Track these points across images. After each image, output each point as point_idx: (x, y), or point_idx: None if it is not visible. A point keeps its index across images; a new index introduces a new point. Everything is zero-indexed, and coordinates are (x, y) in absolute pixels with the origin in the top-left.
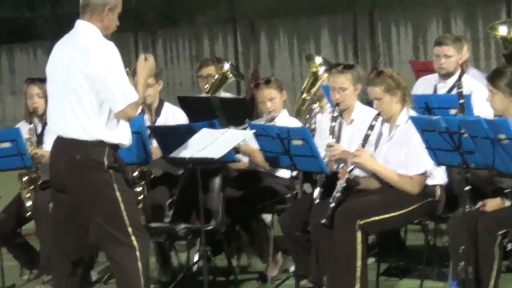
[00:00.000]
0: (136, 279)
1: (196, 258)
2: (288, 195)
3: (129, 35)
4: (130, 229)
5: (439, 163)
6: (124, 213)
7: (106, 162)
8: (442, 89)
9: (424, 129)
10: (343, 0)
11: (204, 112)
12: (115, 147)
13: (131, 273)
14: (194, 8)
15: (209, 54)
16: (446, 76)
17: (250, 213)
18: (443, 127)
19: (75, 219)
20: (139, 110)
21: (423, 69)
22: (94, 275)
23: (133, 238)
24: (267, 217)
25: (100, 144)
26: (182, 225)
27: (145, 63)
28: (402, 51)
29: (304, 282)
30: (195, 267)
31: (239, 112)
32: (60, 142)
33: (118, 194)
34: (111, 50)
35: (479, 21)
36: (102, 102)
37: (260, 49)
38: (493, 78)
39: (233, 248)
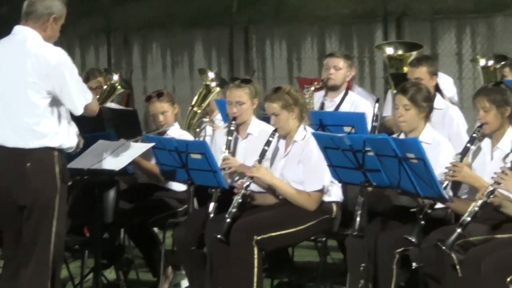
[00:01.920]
0: None
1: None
2: (180, 209)
3: None
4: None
5: (340, 181)
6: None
7: (57, 170)
8: (330, 107)
9: (327, 146)
10: (218, 15)
11: (93, 123)
12: (63, 152)
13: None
14: (66, 19)
15: (80, 65)
16: (332, 90)
17: (141, 227)
18: (347, 144)
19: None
20: None
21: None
22: None
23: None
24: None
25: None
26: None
27: None
28: (276, 67)
29: None
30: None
31: (129, 124)
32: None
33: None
34: (63, 56)
35: (354, 40)
36: (50, 108)
37: (132, 61)
38: (412, 93)
39: (123, 261)
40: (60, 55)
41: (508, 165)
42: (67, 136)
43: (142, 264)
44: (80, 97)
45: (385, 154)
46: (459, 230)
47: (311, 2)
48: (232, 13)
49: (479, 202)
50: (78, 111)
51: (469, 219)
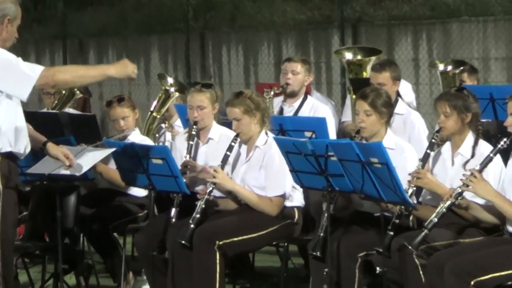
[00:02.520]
0: None
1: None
2: (140, 214)
3: None
4: None
5: (302, 186)
6: None
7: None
8: (289, 112)
9: (289, 151)
10: (174, 21)
11: (51, 128)
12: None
13: None
14: (20, 24)
15: None
16: (291, 95)
17: (102, 232)
18: (309, 149)
19: None
20: None
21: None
22: None
23: None
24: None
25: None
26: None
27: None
28: (233, 73)
29: None
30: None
31: (88, 129)
32: None
33: None
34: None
35: (310, 45)
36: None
37: None
38: (372, 98)
39: (83, 266)
40: None
41: (477, 167)
42: (13, 140)
43: (103, 269)
44: (20, 82)
45: (348, 159)
46: (426, 230)
47: (267, 8)
48: (188, 19)
49: (447, 203)
50: (23, 97)
51: (436, 219)
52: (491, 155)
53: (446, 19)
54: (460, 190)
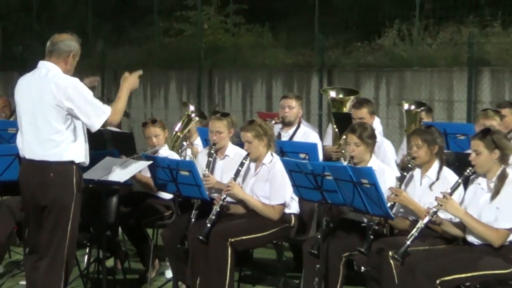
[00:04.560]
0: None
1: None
2: (166, 213)
3: None
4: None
5: (301, 198)
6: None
7: (74, 181)
8: (286, 137)
9: (292, 170)
10: (189, 60)
11: (96, 143)
12: (79, 165)
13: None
14: None
15: None
16: (287, 125)
17: (135, 226)
18: (309, 169)
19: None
20: None
21: (269, 119)
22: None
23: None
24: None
25: (69, 164)
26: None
27: (128, 76)
28: (234, 102)
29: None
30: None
31: (126, 144)
32: (31, 164)
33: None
34: (78, 83)
35: (294, 84)
36: (69, 129)
37: None
38: (360, 132)
39: (121, 253)
40: (75, 83)
41: (449, 191)
42: (84, 153)
43: (135, 256)
44: (96, 116)
45: (342, 179)
46: (408, 242)
47: (261, 53)
48: (200, 59)
49: (425, 219)
50: (95, 128)
51: (416, 234)
52: (459, 180)
53: (401, 68)
54: (435, 209)
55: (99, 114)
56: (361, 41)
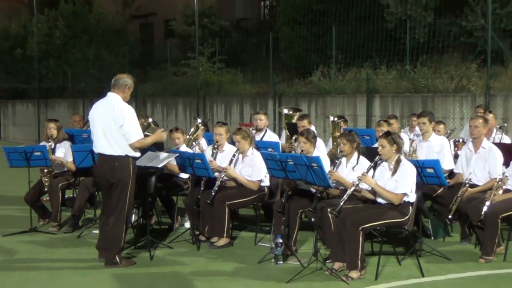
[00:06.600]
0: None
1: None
2: (185, 187)
3: None
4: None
5: (272, 176)
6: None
7: (131, 167)
8: (258, 138)
9: (267, 158)
10: (190, 91)
11: None
12: (134, 158)
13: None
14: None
15: None
16: (259, 130)
17: (166, 195)
18: (277, 158)
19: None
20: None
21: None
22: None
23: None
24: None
25: (127, 156)
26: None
27: (161, 132)
28: (219, 118)
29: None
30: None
31: (159, 144)
32: (103, 156)
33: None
34: (129, 109)
35: (257, 105)
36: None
37: (147, 113)
38: (306, 134)
39: (157, 212)
40: (129, 109)
41: (365, 171)
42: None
43: (165, 213)
44: (134, 135)
45: (299, 163)
46: (342, 203)
47: (235, 86)
48: (198, 89)
49: (351, 189)
50: (130, 141)
51: (346, 198)
52: (372, 164)
53: (324, 95)
54: (357, 182)
55: (134, 135)
56: (298, 78)
